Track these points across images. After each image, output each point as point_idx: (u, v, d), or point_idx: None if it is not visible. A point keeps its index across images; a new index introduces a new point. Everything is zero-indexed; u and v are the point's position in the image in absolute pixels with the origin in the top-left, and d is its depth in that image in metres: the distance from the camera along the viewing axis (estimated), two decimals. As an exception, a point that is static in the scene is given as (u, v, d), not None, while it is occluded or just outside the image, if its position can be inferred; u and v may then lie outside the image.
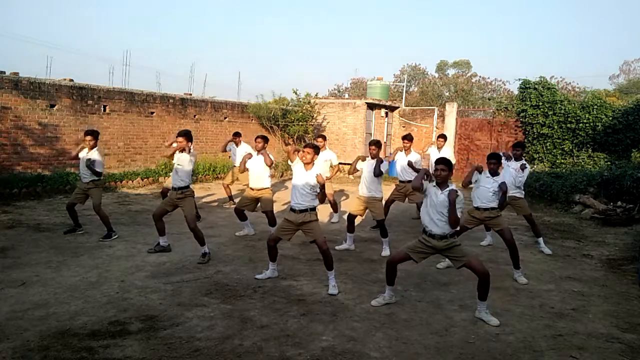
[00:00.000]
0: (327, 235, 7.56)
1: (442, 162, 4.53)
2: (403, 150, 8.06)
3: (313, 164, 5.19)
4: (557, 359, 3.76)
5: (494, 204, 5.71)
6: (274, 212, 7.18)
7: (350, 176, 16.56)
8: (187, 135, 6.16)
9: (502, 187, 5.61)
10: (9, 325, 3.95)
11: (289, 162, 5.50)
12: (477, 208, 5.80)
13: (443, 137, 9.37)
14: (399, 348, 3.83)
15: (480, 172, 5.81)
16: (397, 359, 3.66)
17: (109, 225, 6.86)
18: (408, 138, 8.08)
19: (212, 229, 7.75)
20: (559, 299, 5.10)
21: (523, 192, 6.99)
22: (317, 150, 5.31)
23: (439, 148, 9.11)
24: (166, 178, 12.82)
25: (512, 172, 6.74)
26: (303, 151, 5.21)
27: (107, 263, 5.73)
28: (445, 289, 5.28)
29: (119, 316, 4.21)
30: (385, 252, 6.60)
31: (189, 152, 6.17)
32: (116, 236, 6.87)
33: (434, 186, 4.56)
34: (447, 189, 4.45)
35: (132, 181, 11.87)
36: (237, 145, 9.50)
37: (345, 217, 9.18)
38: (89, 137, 6.85)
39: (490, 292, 4.50)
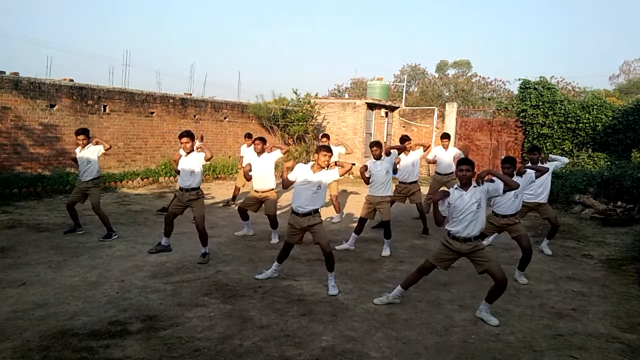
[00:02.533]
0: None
1: (465, 162, 4.44)
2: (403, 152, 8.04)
3: (323, 166, 5.02)
4: (557, 359, 3.76)
5: (513, 211, 5.65)
6: (276, 214, 7.17)
7: (350, 176, 16.57)
8: (190, 135, 6.13)
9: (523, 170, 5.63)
10: (9, 325, 3.95)
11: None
12: (496, 214, 5.75)
13: (446, 136, 9.26)
14: (399, 348, 3.83)
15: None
16: (397, 359, 3.66)
17: (108, 225, 6.86)
18: (405, 139, 8.02)
19: (212, 229, 7.74)
20: (559, 299, 5.10)
21: (547, 197, 6.85)
22: (330, 151, 5.10)
23: (445, 148, 9.04)
24: (169, 178, 12.84)
25: (533, 177, 6.73)
26: (322, 154, 4.96)
27: (107, 263, 5.73)
28: (445, 289, 5.28)
29: (119, 316, 4.21)
30: (386, 252, 6.60)
31: (200, 150, 6.13)
32: (116, 236, 6.87)
33: (456, 188, 4.45)
34: (472, 187, 4.38)
35: (132, 181, 11.87)
36: (248, 146, 9.53)
37: (343, 217, 9.23)
38: (81, 137, 6.84)
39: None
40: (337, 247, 6.77)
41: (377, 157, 6.71)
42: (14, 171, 10.01)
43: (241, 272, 5.59)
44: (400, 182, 7.99)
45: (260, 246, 6.81)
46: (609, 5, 65.25)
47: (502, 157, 5.96)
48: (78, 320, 4.09)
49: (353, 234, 6.89)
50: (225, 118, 15.79)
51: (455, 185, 4.50)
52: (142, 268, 5.59)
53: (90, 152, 6.89)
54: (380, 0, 75.17)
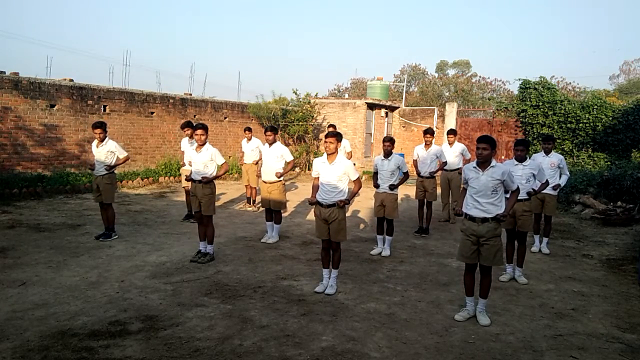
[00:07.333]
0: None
1: (484, 140, 4.20)
2: (423, 145, 8.06)
3: (337, 154, 4.96)
4: (557, 359, 3.76)
5: (525, 195, 5.48)
6: (285, 203, 7.21)
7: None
8: (205, 127, 6.12)
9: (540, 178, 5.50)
10: (9, 325, 3.95)
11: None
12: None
13: (453, 132, 9.24)
14: (399, 348, 3.83)
15: None
16: (397, 359, 3.66)
17: (112, 225, 6.86)
18: (430, 132, 8.03)
19: (212, 229, 7.74)
20: (559, 299, 5.10)
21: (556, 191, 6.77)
22: (339, 137, 5.07)
23: (450, 144, 9.01)
24: (168, 178, 12.82)
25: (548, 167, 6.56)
26: (325, 141, 4.95)
27: (107, 263, 5.73)
28: (445, 289, 5.28)
29: (119, 316, 4.21)
30: (386, 252, 6.59)
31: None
32: (116, 236, 6.87)
33: (474, 168, 4.31)
34: (490, 167, 4.22)
35: (132, 181, 11.86)
36: (248, 141, 9.57)
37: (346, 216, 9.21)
38: (98, 130, 6.68)
39: (490, 292, 4.50)
40: (371, 253, 6.66)
41: (387, 154, 6.58)
42: (14, 171, 10.01)
43: (241, 272, 5.59)
44: (418, 176, 8.05)
45: (261, 246, 6.81)
46: (609, 5, 65.23)
47: (516, 140, 5.71)
48: (78, 320, 4.09)
49: (377, 236, 6.78)
50: (225, 118, 15.79)
51: (472, 165, 4.35)
52: (142, 268, 5.59)
53: (111, 146, 6.80)
54: (380, 1, 75.17)
